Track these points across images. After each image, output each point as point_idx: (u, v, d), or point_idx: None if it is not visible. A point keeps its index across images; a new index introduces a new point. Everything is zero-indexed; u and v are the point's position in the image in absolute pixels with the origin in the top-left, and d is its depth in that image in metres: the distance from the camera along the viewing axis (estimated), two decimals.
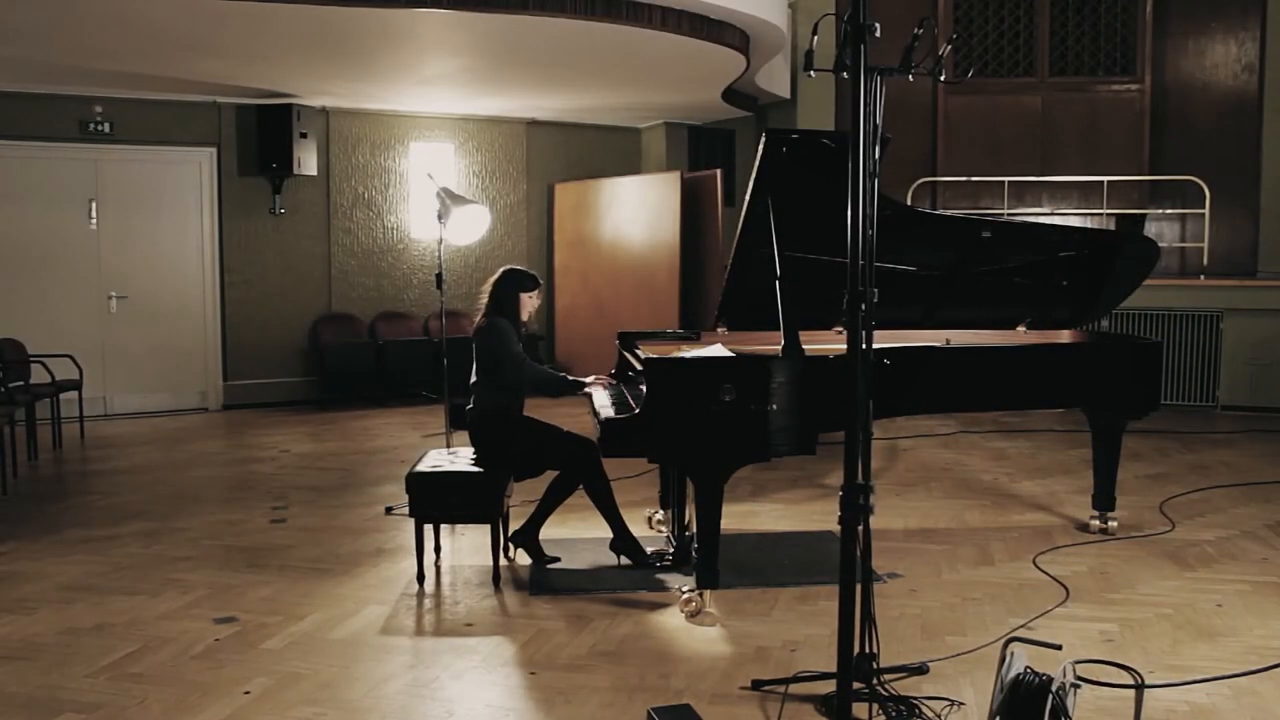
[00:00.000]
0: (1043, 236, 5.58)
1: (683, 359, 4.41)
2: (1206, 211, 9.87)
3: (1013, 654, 3.09)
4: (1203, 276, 9.74)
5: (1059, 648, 3.21)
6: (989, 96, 10.86)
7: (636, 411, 4.30)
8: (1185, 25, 10.67)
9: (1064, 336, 5.84)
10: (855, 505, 2.44)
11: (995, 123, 10.92)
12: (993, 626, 4.16)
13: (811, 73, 3.11)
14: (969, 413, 5.67)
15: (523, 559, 5.08)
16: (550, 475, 5.02)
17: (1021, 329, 5.76)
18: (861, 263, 2.44)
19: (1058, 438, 8.30)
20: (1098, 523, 5.55)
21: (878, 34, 2.37)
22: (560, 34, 7.22)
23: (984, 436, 8.37)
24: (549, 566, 4.96)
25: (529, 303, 5.00)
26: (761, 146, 4.39)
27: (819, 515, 5.97)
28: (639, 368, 4.69)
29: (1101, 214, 10.44)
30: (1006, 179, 10.40)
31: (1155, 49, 10.70)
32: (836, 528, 5.61)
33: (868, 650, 3.45)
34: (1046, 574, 4.83)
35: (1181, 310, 9.42)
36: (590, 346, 10.75)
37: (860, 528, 3.37)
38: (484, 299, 5.00)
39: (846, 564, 2.41)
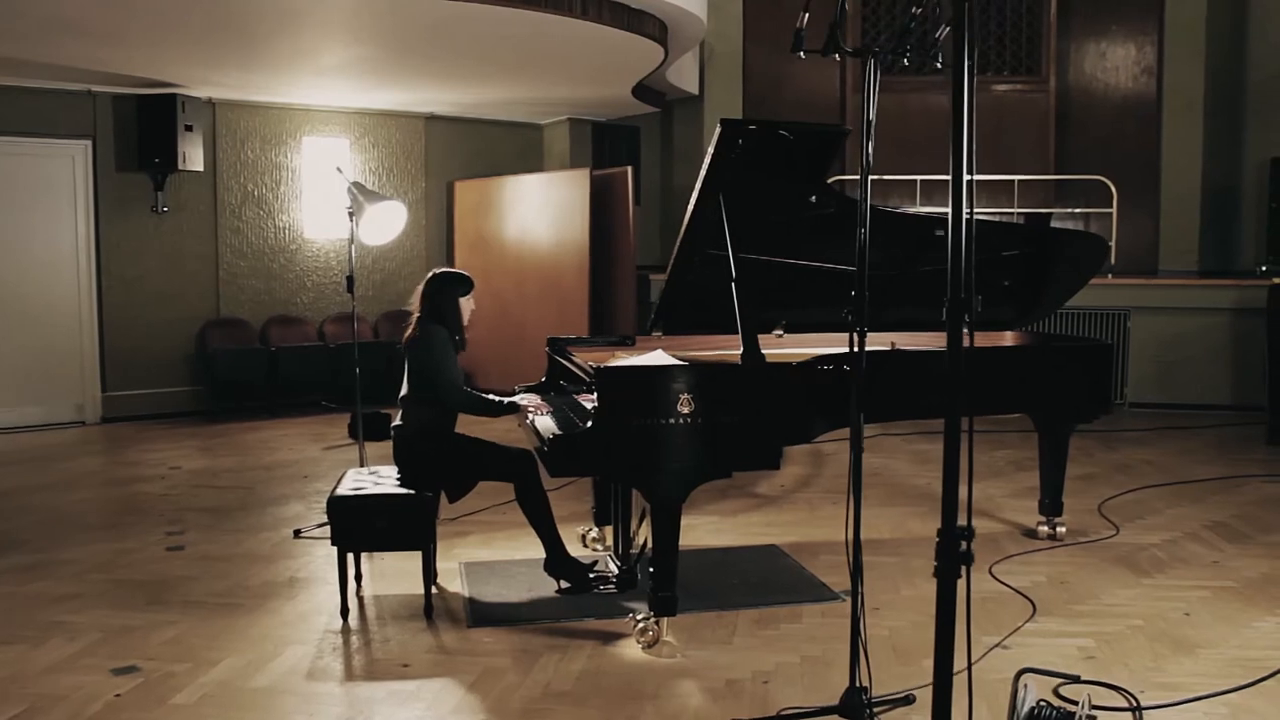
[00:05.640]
0: (987, 234, 5.40)
1: (638, 367, 4.08)
2: (1114, 211, 9.96)
3: (1026, 686, 2.87)
4: (1110, 275, 9.83)
5: (1078, 679, 2.99)
6: (896, 95, 10.78)
7: (587, 426, 3.95)
8: (1087, 27, 10.80)
9: (1006, 339, 5.71)
10: (955, 554, 2.10)
11: (904, 121, 10.84)
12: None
13: (802, 54, 2.83)
14: (921, 420, 5.46)
15: (448, 584, 4.70)
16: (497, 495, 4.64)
17: None
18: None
19: (979, 439, 8.19)
20: (1046, 529, 5.42)
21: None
22: (473, 19, 6.77)
23: (905, 439, 8.25)
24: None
25: (468, 307, 4.63)
26: (716, 137, 4.06)
27: (758, 528, 5.72)
28: (585, 377, 4.35)
29: (1011, 212, 10.46)
30: (917, 177, 10.33)
31: (1059, 50, 10.80)
32: (780, 541, 5.45)
33: (858, 684, 3.19)
34: (1008, 586, 4.65)
35: (1090, 309, 9.48)
36: (493, 351, 10.26)
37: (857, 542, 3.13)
38: (415, 305, 4.60)
39: (943, 625, 2.02)
